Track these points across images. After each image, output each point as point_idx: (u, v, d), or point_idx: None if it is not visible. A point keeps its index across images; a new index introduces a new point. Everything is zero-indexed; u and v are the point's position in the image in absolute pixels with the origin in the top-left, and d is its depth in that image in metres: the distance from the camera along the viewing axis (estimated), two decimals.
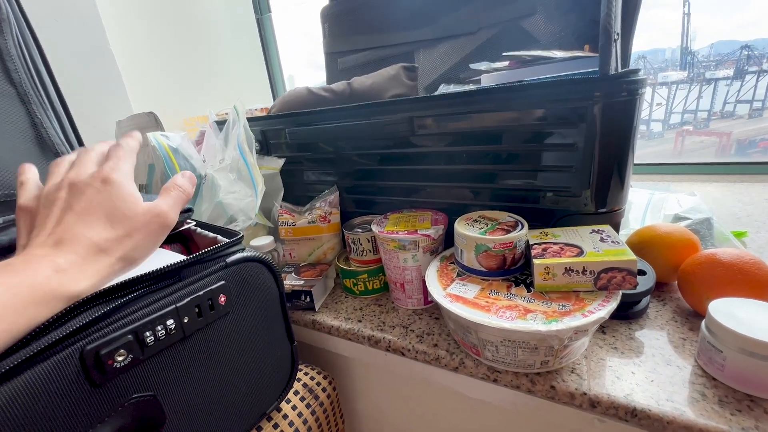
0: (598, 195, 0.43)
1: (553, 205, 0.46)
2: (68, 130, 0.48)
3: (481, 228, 0.41)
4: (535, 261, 0.35)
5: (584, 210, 0.44)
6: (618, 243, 0.36)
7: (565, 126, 0.42)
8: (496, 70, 0.56)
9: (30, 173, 0.31)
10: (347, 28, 0.95)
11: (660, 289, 0.47)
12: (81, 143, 0.48)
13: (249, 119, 0.63)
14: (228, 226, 0.55)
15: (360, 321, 0.49)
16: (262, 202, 0.60)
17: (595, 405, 0.34)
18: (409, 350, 0.44)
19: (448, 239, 0.49)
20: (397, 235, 0.46)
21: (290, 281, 0.54)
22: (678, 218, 0.57)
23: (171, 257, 0.34)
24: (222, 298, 0.31)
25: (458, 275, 0.42)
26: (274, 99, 1.36)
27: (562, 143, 0.43)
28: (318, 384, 0.49)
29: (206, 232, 0.41)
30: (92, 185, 0.27)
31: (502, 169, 0.48)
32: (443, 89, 0.76)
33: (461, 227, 0.42)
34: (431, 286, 0.40)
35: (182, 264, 0.29)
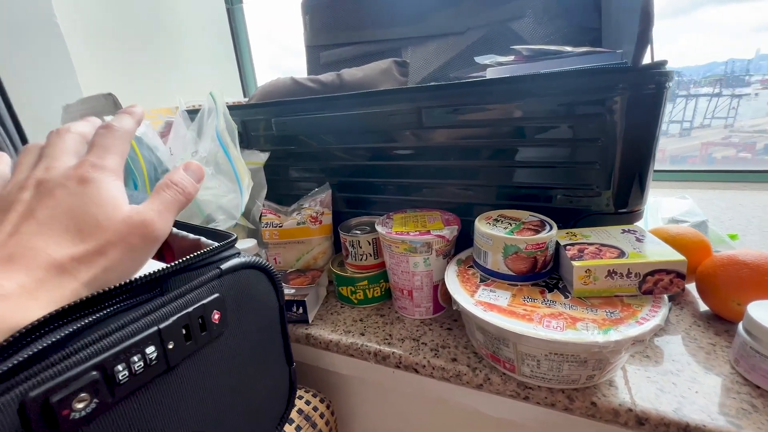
0: (620, 194, 0.41)
1: (570, 204, 0.44)
2: (4, 116, 0.38)
3: (505, 228, 0.37)
4: (575, 263, 0.32)
5: (605, 210, 0.42)
6: (658, 243, 0.33)
7: (588, 119, 0.40)
8: (500, 64, 0.54)
9: None
10: (330, 21, 0.90)
11: None
12: (20, 131, 0.39)
13: (228, 107, 0.55)
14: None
15: (363, 334, 0.43)
16: None
17: (642, 422, 0.31)
18: (424, 366, 0.39)
19: (458, 242, 0.45)
20: (408, 236, 0.41)
21: None
22: (675, 221, 0.58)
23: (151, 264, 0.26)
24: (216, 315, 0.24)
25: (482, 280, 0.37)
26: (245, 95, 1.27)
27: (585, 138, 0.40)
28: (315, 409, 0.42)
29: (186, 234, 0.33)
30: (65, 185, 0.20)
31: (518, 164, 0.45)
32: None
33: (484, 227, 0.37)
34: (456, 294, 0.35)
35: (167, 272, 0.22)
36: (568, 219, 0.44)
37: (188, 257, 0.24)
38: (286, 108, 0.56)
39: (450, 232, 0.41)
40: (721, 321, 0.40)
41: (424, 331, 0.43)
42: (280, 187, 0.61)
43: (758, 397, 0.31)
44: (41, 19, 0.68)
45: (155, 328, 0.20)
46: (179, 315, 0.22)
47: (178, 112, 0.63)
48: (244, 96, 1.26)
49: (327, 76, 0.65)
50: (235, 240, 0.29)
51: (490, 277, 0.37)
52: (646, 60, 0.38)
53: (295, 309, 0.45)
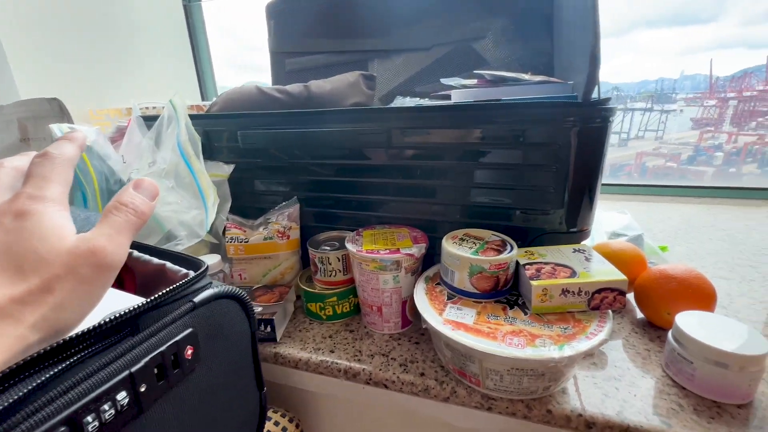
0: (570, 215, 0.45)
1: (527, 223, 0.47)
2: None
3: (470, 247, 0.39)
4: (533, 283, 0.35)
5: (558, 229, 0.46)
6: (603, 263, 0.37)
7: (542, 146, 0.43)
8: (466, 86, 0.56)
9: None
10: (295, 28, 0.89)
11: None
12: None
13: (190, 116, 0.53)
14: (168, 245, 0.45)
15: (332, 351, 0.44)
16: None
17: (590, 426, 0.34)
18: (394, 382, 0.40)
19: (425, 258, 0.47)
20: (378, 255, 0.42)
21: None
22: (615, 235, 0.64)
23: (121, 298, 0.25)
24: (189, 351, 0.24)
25: (449, 298, 0.39)
26: (203, 97, 1.21)
27: (540, 164, 0.44)
28: (284, 429, 0.42)
29: (149, 258, 0.32)
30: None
31: (480, 186, 0.47)
32: (399, 101, 0.74)
33: (451, 247, 0.39)
34: (426, 313, 0.36)
35: (138, 311, 0.21)
36: (525, 237, 0.47)
37: (163, 293, 0.23)
38: (253, 120, 0.54)
39: (418, 250, 0.43)
40: (655, 328, 0.45)
41: (393, 346, 0.44)
42: (246, 200, 0.59)
43: (684, 397, 0.36)
44: None
45: (126, 372, 0.20)
46: (152, 355, 0.21)
47: (132, 117, 0.59)
48: (202, 98, 1.21)
49: (294, 87, 0.64)
50: (206, 269, 0.29)
51: (456, 294, 0.39)
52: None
53: (262, 327, 0.44)
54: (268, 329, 0.44)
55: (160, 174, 0.49)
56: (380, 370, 0.41)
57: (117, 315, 0.20)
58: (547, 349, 0.30)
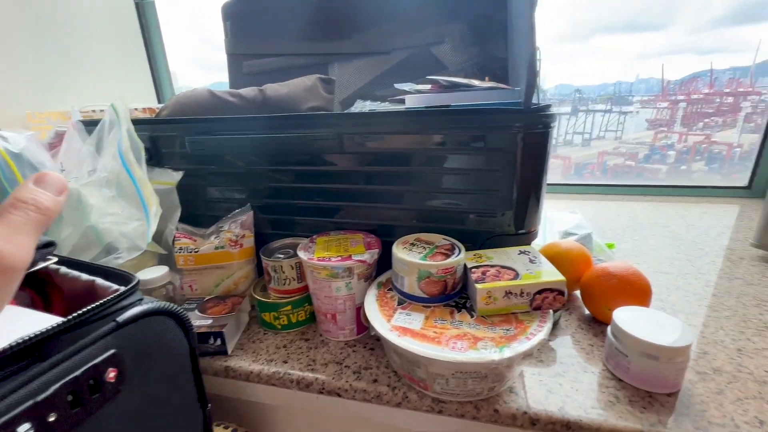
0: (518, 217, 0.47)
1: (478, 226, 0.48)
2: None
3: (420, 252, 0.40)
4: (478, 286, 0.36)
5: (507, 231, 0.47)
6: (545, 263, 0.38)
7: (489, 151, 0.44)
8: (419, 92, 0.57)
9: None
10: (253, 30, 0.87)
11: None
12: None
13: (135, 121, 0.50)
14: (107, 259, 0.43)
15: (285, 362, 0.43)
16: None
17: (535, 423, 0.35)
18: (347, 390, 0.40)
19: (380, 263, 0.47)
20: (330, 262, 0.42)
21: (193, 322, 0.44)
22: (567, 234, 0.66)
23: (36, 320, 0.23)
24: (111, 373, 0.23)
25: (399, 303, 0.39)
26: (158, 98, 1.17)
27: (486, 168, 0.45)
28: None
29: (78, 274, 0.30)
30: None
31: (431, 191, 0.48)
32: (359, 105, 0.74)
33: (401, 252, 0.40)
34: (374, 320, 0.36)
35: (50, 333, 0.20)
36: (477, 240, 0.48)
37: (79, 313, 0.22)
38: (203, 126, 0.53)
39: (371, 256, 0.43)
40: (599, 324, 0.47)
41: (347, 354, 0.44)
42: (198, 208, 0.57)
43: (621, 389, 0.37)
44: None
45: (31, 401, 0.18)
46: (63, 382, 0.20)
47: (71, 121, 0.56)
48: (159, 100, 1.16)
49: (249, 91, 0.63)
50: (137, 285, 0.28)
51: (407, 299, 0.40)
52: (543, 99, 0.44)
53: (212, 341, 0.43)
54: (218, 342, 0.43)
55: (101, 183, 0.47)
56: (333, 378, 0.40)
57: (21, 340, 0.19)
58: (488, 352, 0.31)
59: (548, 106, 0.43)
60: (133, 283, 0.27)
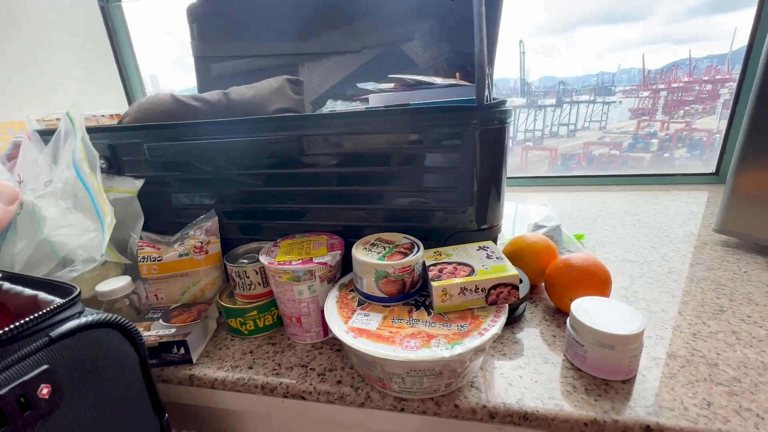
0: (480, 213, 0.47)
1: (442, 223, 0.49)
2: None
3: (379, 252, 0.40)
4: (434, 283, 0.36)
5: (469, 227, 0.48)
6: (501, 258, 0.39)
7: (448, 149, 0.44)
8: (382, 90, 0.57)
9: None
10: (219, 31, 0.86)
11: (531, 291, 0.54)
12: None
13: (92, 129, 0.50)
14: (62, 272, 0.42)
15: (251, 367, 0.43)
16: (115, 233, 0.48)
17: (493, 416, 0.36)
18: (311, 393, 0.40)
19: (346, 263, 0.47)
20: (290, 266, 0.41)
21: (157, 331, 0.44)
22: (537, 227, 0.67)
23: None
24: (44, 390, 0.22)
25: (359, 304, 0.40)
26: (130, 103, 1.15)
27: (446, 166, 0.45)
28: None
29: (21, 289, 0.30)
30: None
31: (392, 190, 0.48)
32: (330, 105, 0.74)
33: (359, 253, 0.40)
34: (332, 322, 0.37)
35: None
36: (441, 237, 0.49)
37: (2, 332, 0.22)
38: (163, 132, 0.52)
39: (332, 258, 0.43)
40: (563, 314, 0.48)
41: (314, 356, 0.44)
42: (161, 215, 0.57)
43: (579, 378, 0.38)
44: None
45: None
46: None
47: (26, 131, 0.55)
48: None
49: (213, 95, 0.62)
50: (77, 297, 0.27)
51: (367, 300, 0.40)
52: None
53: (175, 350, 0.43)
54: (182, 351, 0.43)
55: (57, 194, 0.46)
56: (297, 382, 0.40)
57: None
58: (439, 349, 0.31)
59: (503, 102, 0.43)
60: (72, 296, 0.26)
